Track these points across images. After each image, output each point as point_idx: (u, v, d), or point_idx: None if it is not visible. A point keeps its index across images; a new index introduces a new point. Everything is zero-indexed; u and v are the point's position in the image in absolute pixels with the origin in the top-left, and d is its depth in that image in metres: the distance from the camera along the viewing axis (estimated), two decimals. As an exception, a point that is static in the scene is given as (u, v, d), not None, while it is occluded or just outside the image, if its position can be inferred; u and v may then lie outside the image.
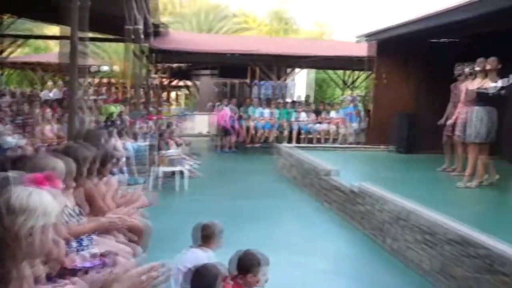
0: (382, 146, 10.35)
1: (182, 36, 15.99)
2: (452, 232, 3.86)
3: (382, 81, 10.50)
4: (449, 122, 7.22)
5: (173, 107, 18.22)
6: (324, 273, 4.42)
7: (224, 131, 12.79)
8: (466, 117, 6.41)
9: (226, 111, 12.65)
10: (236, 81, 18.58)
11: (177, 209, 6.52)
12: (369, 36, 10.71)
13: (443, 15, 7.64)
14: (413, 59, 10.37)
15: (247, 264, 2.69)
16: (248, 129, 13.02)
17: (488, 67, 6.26)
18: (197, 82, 19.46)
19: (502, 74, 6.44)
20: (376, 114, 10.66)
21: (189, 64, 16.52)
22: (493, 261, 3.35)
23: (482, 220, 4.86)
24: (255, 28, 30.99)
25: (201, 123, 15.81)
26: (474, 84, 6.42)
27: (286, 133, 13.13)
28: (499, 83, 6.11)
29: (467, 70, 6.72)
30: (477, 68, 6.41)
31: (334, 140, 13.22)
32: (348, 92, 17.20)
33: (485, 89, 6.20)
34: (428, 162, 8.30)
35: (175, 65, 16.60)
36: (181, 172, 7.67)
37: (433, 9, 8.28)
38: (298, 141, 13.12)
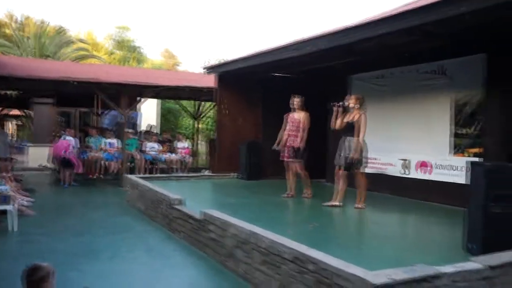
0: (231, 174, 10.60)
1: (12, 61, 14.06)
2: (288, 251, 3.99)
3: (223, 111, 10.87)
4: (276, 147, 7.81)
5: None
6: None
7: (62, 164, 11.79)
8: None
9: (63, 142, 11.75)
10: (83, 110, 17.51)
11: (4, 253, 5.66)
12: (209, 69, 11.08)
13: (275, 52, 8.36)
14: (253, 91, 11.00)
15: None
16: (89, 160, 12.29)
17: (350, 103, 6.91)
18: (32, 112, 17.66)
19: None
20: (221, 143, 10.91)
21: (20, 92, 14.82)
22: (322, 275, 3.53)
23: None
24: (103, 56, 29.73)
25: (38, 156, 14.38)
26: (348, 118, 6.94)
27: (138, 163, 12.68)
28: None
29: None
30: (346, 103, 6.96)
31: (188, 170, 13.21)
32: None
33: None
34: (261, 187, 8.93)
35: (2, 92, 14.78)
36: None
37: (268, 47, 9.03)
38: (150, 171, 12.79)
